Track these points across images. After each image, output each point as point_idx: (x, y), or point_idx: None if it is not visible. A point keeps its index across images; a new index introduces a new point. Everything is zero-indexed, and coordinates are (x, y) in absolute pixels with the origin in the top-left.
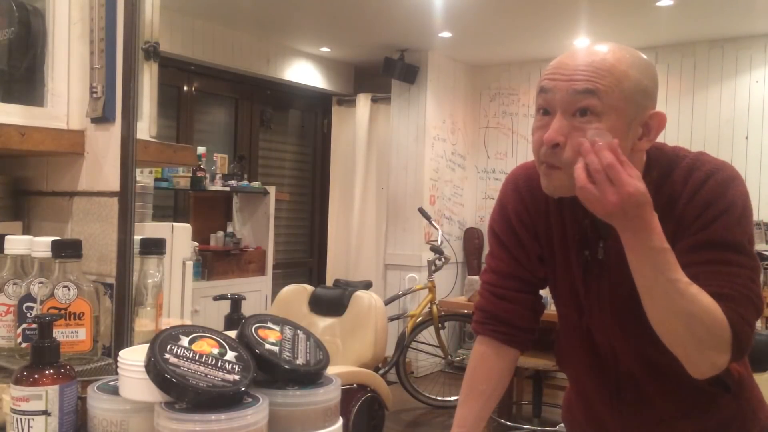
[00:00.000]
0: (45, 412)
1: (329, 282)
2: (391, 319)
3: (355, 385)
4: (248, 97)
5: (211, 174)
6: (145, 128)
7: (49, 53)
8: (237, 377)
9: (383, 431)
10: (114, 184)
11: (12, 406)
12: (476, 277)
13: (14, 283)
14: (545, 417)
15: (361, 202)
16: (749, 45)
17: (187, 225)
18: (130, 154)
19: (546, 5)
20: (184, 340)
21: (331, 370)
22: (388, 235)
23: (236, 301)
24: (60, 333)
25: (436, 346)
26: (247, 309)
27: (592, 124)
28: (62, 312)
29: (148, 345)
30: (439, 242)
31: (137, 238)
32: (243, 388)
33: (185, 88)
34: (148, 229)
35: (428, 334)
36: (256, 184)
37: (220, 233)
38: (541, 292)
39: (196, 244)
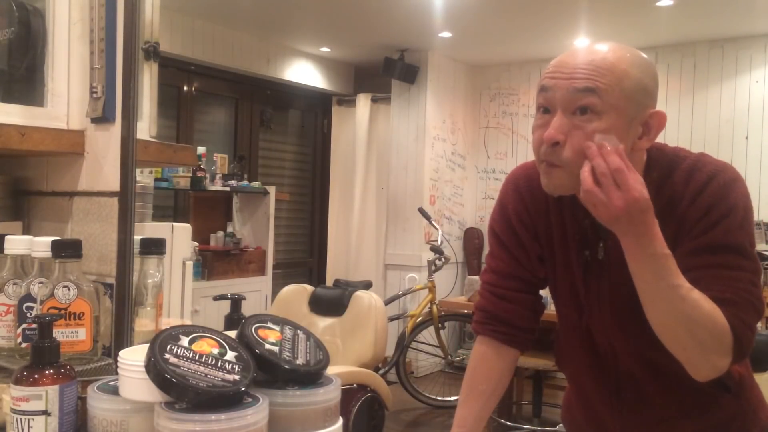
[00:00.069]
0: (45, 412)
1: (329, 282)
2: (391, 319)
3: (355, 385)
4: (248, 97)
5: (211, 174)
6: (145, 128)
7: (49, 53)
8: (237, 377)
9: (383, 431)
10: (114, 184)
11: (12, 406)
12: (476, 277)
13: (14, 283)
14: (545, 417)
15: (361, 202)
16: (749, 45)
17: (187, 225)
18: (130, 154)
19: (546, 5)
20: (184, 340)
21: (331, 370)
22: (388, 235)
23: (236, 301)
24: (60, 333)
25: (436, 346)
26: (247, 309)
27: (592, 123)
28: (62, 312)
29: (148, 345)
30: (439, 242)
31: (137, 238)
32: (243, 388)
33: (185, 88)
34: (148, 229)
35: (428, 334)
36: (256, 184)
37: (220, 233)
38: (541, 292)
39: (196, 244)
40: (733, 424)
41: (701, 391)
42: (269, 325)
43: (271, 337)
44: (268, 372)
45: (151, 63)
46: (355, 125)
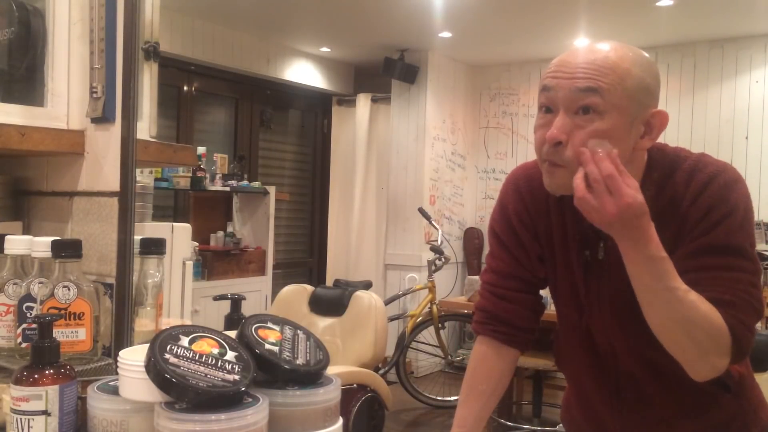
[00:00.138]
0: (45, 412)
1: (329, 282)
2: (391, 319)
3: (355, 385)
4: (248, 97)
5: (211, 174)
6: (145, 128)
7: (49, 53)
8: (237, 377)
9: (383, 431)
10: (114, 184)
11: (12, 406)
12: (476, 277)
13: (14, 283)
14: (545, 417)
15: (361, 202)
16: (749, 45)
17: (187, 225)
18: (130, 154)
19: (546, 5)
20: (184, 340)
21: (331, 370)
22: (388, 235)
23: (236, 301)
24: (60, 333)
25: (436, 346)
26: (247, 309)
27: (594, 123)
28: (62, 312)
29: (148, 345)
30: (439, 242)
31: (137, 238)
32: (243, 388)
33: (185, 88)
34: (148, 229)
35: (428, 334)
36: (256, 184)
37: (220, 233)
38: (541, 292)
39: (196, 244)
40: (733, 424)
41: (701, 391)
42: (269, 325)
43: (271, 337)
44: (268, 372)
45: (151, 63)
46: (355, 125)
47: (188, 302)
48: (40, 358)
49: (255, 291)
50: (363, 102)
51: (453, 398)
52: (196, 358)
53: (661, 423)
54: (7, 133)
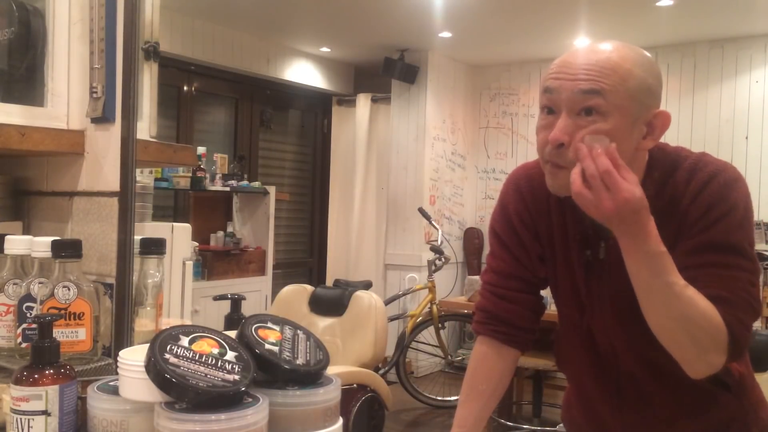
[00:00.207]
0: (45, 412)
1: (329, 282)
2: (391, 319)
3: (355, 385)
4: (248, 97)
5: (211, 174)
6: (145, 128)
7: (49, 53)
8: (237, 377)
9: (383, 431)
10: (114, 184)
11: (12, 406)
12: (476, 277)
13: (14, 283)
14: (545, 417)
15: (361, 202)
16: (749, 45)
17: (187, 225)
18: (130, 154)
19: (546, 5)
20: (184, 340)
21: (331, 370)
22: (388, 235)
23: (236, 301)
24: (60, 333)
25: (436, 346)
26: (247, 309)
27: (597, 124)
28: (62, 312)
29: (148, 345)
30: (439, 242)
31: (137, 238)
32: (243, 388)
33: (185, 88)
34: (148, 229)
35: (428, 334)
36: (256, 184)
37: (220, 233)
38: (542, 292)
39: (196, 244)
40: (733, 424)
41: (702, 391)
42: (269, 325)
43: (271, 337)
44: (268, 372)
45: (151, 63)
46: (355, 125)
47: (188, 302)
48: (40, 358)
49: (255, 291)
50: (363, 102)
51: (453, 398)
52: (196, 358)
53: (662, 422)
54: (7, 133)
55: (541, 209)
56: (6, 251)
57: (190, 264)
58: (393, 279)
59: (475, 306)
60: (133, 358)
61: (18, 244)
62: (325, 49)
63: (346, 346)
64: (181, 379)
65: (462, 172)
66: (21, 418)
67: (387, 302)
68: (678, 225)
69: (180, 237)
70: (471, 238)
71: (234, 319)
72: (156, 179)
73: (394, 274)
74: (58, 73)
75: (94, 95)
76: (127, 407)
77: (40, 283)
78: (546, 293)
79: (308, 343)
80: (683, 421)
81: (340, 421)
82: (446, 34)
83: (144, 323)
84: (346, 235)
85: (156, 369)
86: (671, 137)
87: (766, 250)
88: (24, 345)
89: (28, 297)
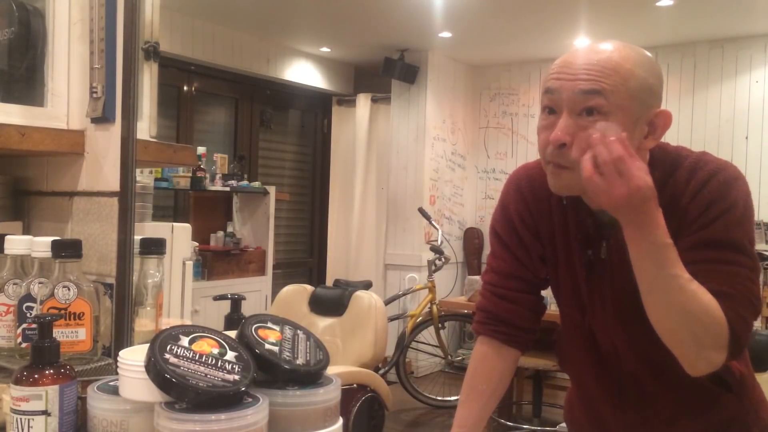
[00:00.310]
0: (45, 412)
1: (329, 282)
2: (391, 319)
3: (355, 385)
4: (248, 97)
5: (211, 174)
6: (145, 128)
7: (49, 53)
8: (237, 377)
9: (383, 431)
10: (114, 184)
11: (12, 406)
12: (476, 277)
13: (14, 283)
14: (545, 417)
15: (361, 202)
16: (749, 45)
17: (187, 225)
18: (130, 154)
19: (546, 5)
20: (184, 340)
21: (331, 370)
22: (388, 235)
23: (236, 301)
24: (60, 333)
25: (436, 346)
26: (247, 309)
27: (598, 124)
28: (62, 312)
29: (148, 345)
30: (439, 242)
31: (137, 238)
32: (243, 388)
33: (185, 88)
34: (148, 229)
35: (428, 334)
36: (256, 184)
37: (220, 233)
38: (542, 292)
39: (196, 244)
40: (734, 424)
41: (703, 391)
42: (269, 325)
43: (271, 337)
44: (268, 372)
45: (151, 63)
46: (355, 125)
47: (188, 302)
48: (40, 358)
49: (255, 291)
50: (363, 102)
51: (453, 398)
52: (196, 358)
53: (663, 422)
54: (7, 133)
55: (542, 209)
56: (6, 251)
57: (190, 264)
58: (393, 279)
59: (475, 306)
60: (133, 358)
61: (18, 244)
62: (325, 49)
63: (346, 346)
64: (181, 379)
65: (462, 172)
66: (21, 418)
67: (387, 302)
68: (678, 223)
69: (180, 237)
70: (471, 238)
71: (234, 319)
72: (156, 179)
73: (394, 274)
74: (58, 73)
75: (94, 95)
76: (127, 407)
77: (40, 283)
78: (546, 293)
79: (308, 343)
80: (684, 421)
81: (340, 421)
82: (446, 34)
83: (144, 323)
84: (346, 235)
85: (156, 369)
86: (671, 137)
87: (766, 250)
88: (24, 345)
89: (28, 297)
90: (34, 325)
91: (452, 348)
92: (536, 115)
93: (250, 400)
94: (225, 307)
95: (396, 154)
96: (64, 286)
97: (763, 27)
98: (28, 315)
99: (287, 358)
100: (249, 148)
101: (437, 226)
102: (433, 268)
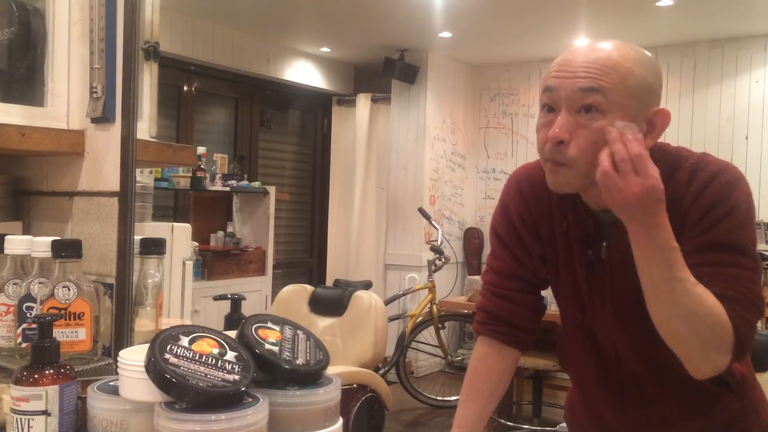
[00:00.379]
0: (45, 412)
1: (329, 282)
2: (391, 319)
3: (355, 385)
4: (248, 97)
5: (211, 174)
6: (145, 128)
7: (49, 53)
8: (237, 377)
9: (383, 431)
10: (114, 184)
11: (12, 406)
12: (476, 277)
13: (14, 283)
14: (545, 417)
15: (361, 202)
16: (749, 45)
17: (187, 225)
18: (130, 154)
19: (546, 5)
20: (184, 340)
21: (331, 370)
22: (388, 235)
23: (236, 301)
24: (60, 333)
25: (436, 346)
26: (247, 309)
27: (597, 121)
28: (62, 312)
29: (148, 345)
30: (439, 242)
31: (137, 238)
32: (243, 388)
33: (185, 88)
34: (148, 229)
35: (428, 334)
36: (256, 184)
37: (220, 233)
38: (542, 292)
39: (196, 244)
40: (735, 424)
41: (704, 391)
42: (269, 325)
43: (271, 337)
44: (268, 372)
45: (151, 63)
46: (355, 125)
47: (188, 302)
48: (40, 358)
49: (255, 291)
50: (363, 102)
51: (453, 398)
52: (196, 358)
53: (664, 423)
54: (7, 133)
55: (542, 209)
56: (6, 251)
57: (190, 264)
58: (393, 279)
59: (475, 306)
60: (133, 358)
61: (18, 244)
62: (325, 49)
63: (346, 346)
64: (181, 379)
65: (462, 172)
66: (21, 418)
67: (387, 302)
68: (679, 225)
69: (180, 237)
70: (471, 238)
71: (234, 319)
72: (156, 179)
73: (394, 274)
74: (58, 73)
75: (94, 95)
76: (127, 407)
77: (40, 283)
78: (546, 293)
79: (308, 343)
80: (685, 422)
81: (340, 421)
82: (446, 34)
83: (144, 323)
84: (346, 235)
85: (156, 369)
86: (671, 137)
87: (766, 250)
88: (24, 345)
89: (28, 297)
90: (34, 325)
91: (452, 348)
92: (536, 115)
93: (250, 400)
94: (225, 307)
95: (396, 154)
96: (64, 286)
97: (763, 27)
98: (28, 315)
99: (287, 358)
100: (249, 148)
101: (437, 226)
102: (433, 268)
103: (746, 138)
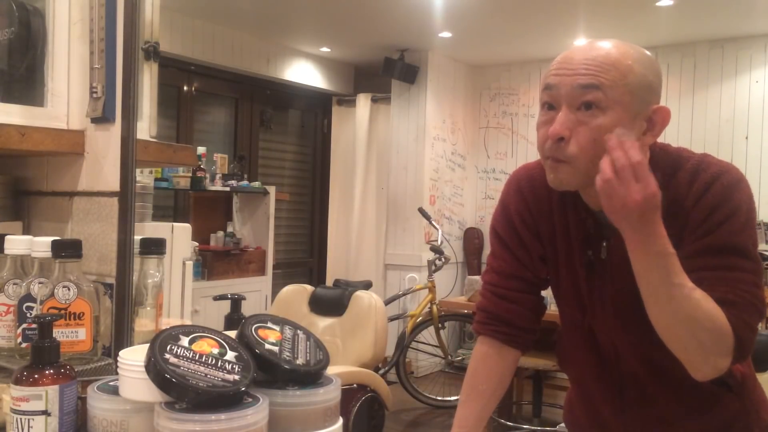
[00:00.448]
0: (45, 412)
1: (329, 282)
2: (391, 319)
3: (355, 385)
4: (248, 97)
5: (211, 174)
6: (145, 128)
7: (49, 53)
8: (237, 377)
9: (383, 431)
10: (114, 184)
11: (12, 406)
12: (476, 277)
13: (14, 283)
14: (545, 417)
15: (361, 202)
16: (749, 45)
17: (187, 225)
18: (130, 154)
19: (546, 5)
20: (184, 340)
21: (331, 370)
22: (388, 235)
23: (236, 301)
24: (60, 333)
25: (436, 346)
26: (247, 309)
27: (597, 118)
28: (62, 312)
29: (148, 345)
30: (439, 242)
31: (137, 238)
32: (243, 388)
33: (185, 88)
34: (148, 229)
35: (428, 334)
36: (256, 184)
37: (220, 233)
38: (542, 292)
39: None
40: (735, 424)
41: (704, 391)
42: (269, 325)
43: (271, 337)
44: (268, 372)
45: (151, 63)
46: (355, 125)
47: (188, 302)
48: (40, 358)
49: (255, 291)
50: (363, 102)
51: (453, 398)
52: (196, 358)
53: (664, 423)
54: (7, 133)
55: (542, 209)
56: (6, 251)
57: (190, 264)
58: (393, 279)
59: (475, 306)
60: (133, 358)
61: (18, 244)
62: (325, 49)
63: (346, 346)
64: (181, 379)
65: (462, 172)
66: (21, 418)
67: (387, 302)
68: (680, 227)
69: (180, 237)
70: (471, 238)
71: (234, 319)
72: (156, 179)
73: (394, 274)
74: (58, 73)
75: (94, 95)
76: (127, 407)
77: (40, 283)
78: (546, 293)
79: (308, 343)
80: (685, 422)
81: (340, 421)
82: (446, 34)
83: (144, 323)
84: (346, 235)
85: (156, 369)
86: (671, 137)
87: (766, 251)
88: (24, 345)
89: (28, 297)
90: (34, 325)
91: (452, 348)
92: (536, 115)
93: (250, 400)
94: (225, 307)
95: (396, 154)
96: (64, 286)
97: (763, 27)
98: (28, 315)
99: (287, 358)
100: (249, 148)
101: (437, 226)
102: (433, 268)
103: (746, 138)
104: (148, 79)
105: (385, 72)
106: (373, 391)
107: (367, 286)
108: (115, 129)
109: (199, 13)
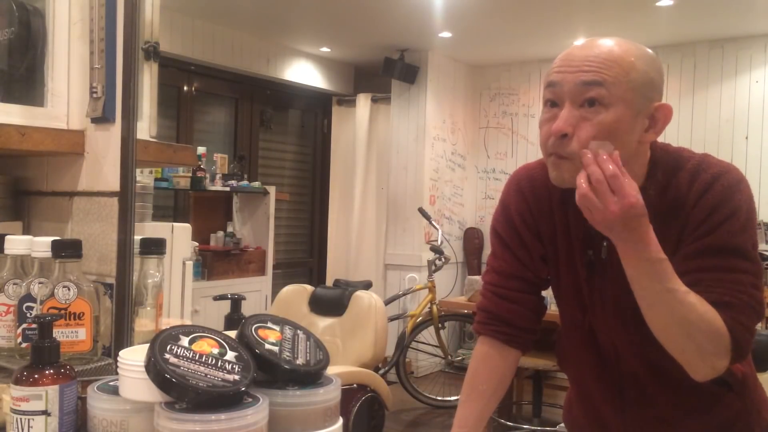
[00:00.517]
0: (45, 412)
1: (329, 282)
2: (391, 319)
3: (355, 385)
4: (248, 97)
5: (211, 174)
6: (145, 128)
7: (49, 53)
8: (237, 377)
9: (383, 431)
10: (114, 184)
11: (12, 406)
12: (476, 277)
13: (14, 283)
14: (545, 417)
15: (361, 202)
16: (749, 45)
17: (187, 225)
18: (130, 154)
19: (546, 5)
20: (184, 340)
21: (331, 370)
22: (388, 235)
23: (236, 301)
24: (60, 333)
25: (436, 346)
26: (247, 309)
27: (600, 115)
28: (62, 312)
29: (148, 345)
30: (439, 242)
31: (137, 238)
32: (243, 388)
33: (185, 88)
34: (148, 229)
35: (428, 334)
36: (256, 184)
37: (220, 233)
38: (542, 292)
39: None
40: (736, 424)
41: (704, 391)
42: (269, 325)
43: (271, 337)
44: (268, 372)
45: (151, 63)
46: (355, 125)
47: (188, 302)
48: (40, 358)
49: (255, 291)
50: (363, 102)
51: (453, 398)
52: (196, 358)
53: (664, 423)
54: (7, 133)
55: (543, 209)
56: (6, 251)
57: (190, 264)
58: (393, 279)
59: (476, 306)
60: (133, 358)
61: (18, 244)
62: (325, 49)
63: (346, 346)
64: (181, 379)
65: (462, 172)
66: (21, 418)
67: (387, 302)
68: (681, 227)
69: (180, 237)
70: (471, 238)
71: (234, 319)
72: (156, 179)
73: (394, 274)
74: (58, 73)
75: (94, 95)
76: (127, 407)
77: (40, 283)
78: (546, 293)
79: (308, 343)
80: (686, 421)
81: (340, 421)
82: (446, 34)
83: (144, 323)
84: (346, 235)
85: (156, 369)
86: (671, 137)
87: (766, 251)
88: (24, 345)
89: (28, 297)
90: (34, 325)
91: (452, 348)
92: (536, 116)
93: (250, 400)
94: (225, 307)
95: (396, 154)
96: (64, 286)
97: (763, 27)
98: (28, 315)
99: (287, 358)
100: (249, 148)
101: (437, 226)
102: (433, 268)
103: (746, 138)
104: (148, 79)
105: (385, 72)
106: (373, 391)
107: (367, 286)
108: (115, 129)
109: (199, 13)
